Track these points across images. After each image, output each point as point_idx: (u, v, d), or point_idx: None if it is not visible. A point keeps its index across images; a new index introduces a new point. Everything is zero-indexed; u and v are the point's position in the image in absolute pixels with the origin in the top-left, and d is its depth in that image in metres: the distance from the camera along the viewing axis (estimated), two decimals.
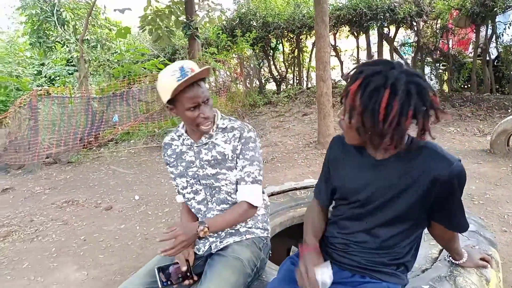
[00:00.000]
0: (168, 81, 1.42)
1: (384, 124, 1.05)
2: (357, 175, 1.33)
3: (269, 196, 2.38)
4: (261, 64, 10.95)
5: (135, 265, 2.98)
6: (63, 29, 11.29)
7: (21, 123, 7.13)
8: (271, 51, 10.89)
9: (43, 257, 3.25)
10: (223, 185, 1.62)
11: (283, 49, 10.87)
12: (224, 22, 10.33)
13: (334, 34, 9.75)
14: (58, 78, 13.03)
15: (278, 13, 9.91)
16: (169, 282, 1.48)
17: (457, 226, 1.26)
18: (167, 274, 1.49)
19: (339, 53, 10.14)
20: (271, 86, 11.48)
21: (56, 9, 11.15)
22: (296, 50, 10.53)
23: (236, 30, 9.34)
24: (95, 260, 3.14)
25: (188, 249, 1.59)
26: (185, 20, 8.40)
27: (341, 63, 10.12)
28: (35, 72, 13.42)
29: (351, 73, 1.14)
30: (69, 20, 11.48)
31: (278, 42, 10.69)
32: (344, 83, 10.05)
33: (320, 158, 5.46)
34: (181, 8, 8.61)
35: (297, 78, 10.87)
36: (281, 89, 10.84)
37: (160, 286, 1.45)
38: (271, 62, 10.97)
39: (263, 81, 11.01)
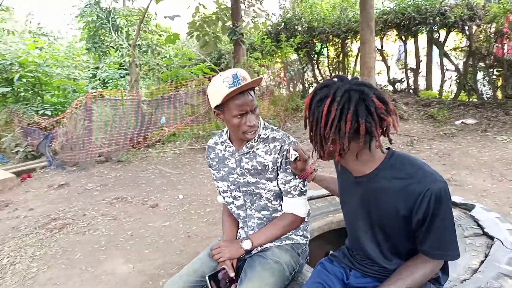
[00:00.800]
0: (219, 86, 1.46)
1: (325, 129, 1.11)
2: (343, 190, 1.42)
3: (308, 200, 2.40)
4: (305, 68, 10.92)
5: (177, 261, 3.10)
6: (117, 35, 11.88)
7: (77, 123, 7.54)
8: (316, 55, 10.84)
9: (94, 249, 3.46)
10: (263, 193, 1.65)
11: (328, 53, 10.78)
12: (269, 27, 10.42)
13: (381, 38, 9.55)
14: (111, 81, 13.70)
15: (324, 17, 9.85)
16: None
17: (430, 250, 1.18)
18: (217, 281, 1.54)
19: (386, 58, 9.90)
20: None
21: (112, 16, 11.77)
22: (341, 54, 10.41)
23: (281, 35, 9.37)
24: (140, 254, 3.30)
25: None
26: (231, 26, 8.60)
27: (388, 67, 9.88)
28: (90, 75, 14.12)
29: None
30: (123, 26, 12.06)
31: (323, 46, 10.62)
32: (390, 88, 9.82)
33: None
34: (227, 15, 8.83)
35: None
36: None
37: None
38: (315, 67, 10.91)
39: (306, 86, 10.98)
